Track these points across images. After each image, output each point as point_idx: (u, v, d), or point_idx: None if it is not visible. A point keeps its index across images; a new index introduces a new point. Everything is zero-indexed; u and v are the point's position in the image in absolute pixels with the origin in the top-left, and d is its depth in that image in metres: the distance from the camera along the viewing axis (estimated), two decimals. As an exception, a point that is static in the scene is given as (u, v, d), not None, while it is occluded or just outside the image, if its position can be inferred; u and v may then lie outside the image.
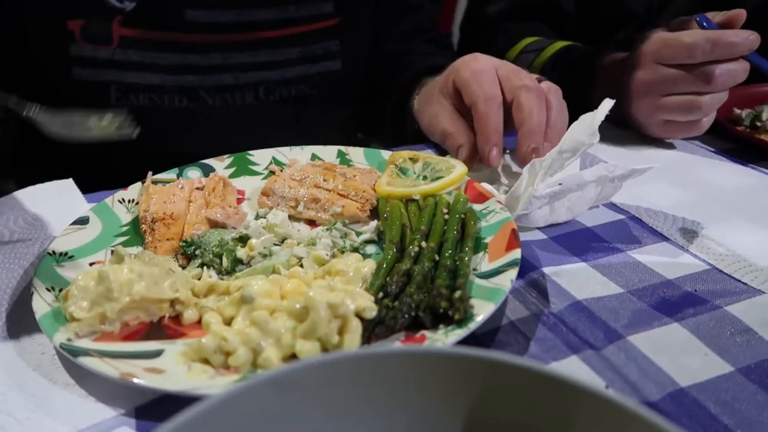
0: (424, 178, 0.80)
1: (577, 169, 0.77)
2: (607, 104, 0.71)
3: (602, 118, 0.69)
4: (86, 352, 0.52)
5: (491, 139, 0.79)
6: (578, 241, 0.73)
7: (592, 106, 0.75)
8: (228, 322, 0.57)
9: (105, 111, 0.68)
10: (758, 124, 1.01)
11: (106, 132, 0.66)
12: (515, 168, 0.80)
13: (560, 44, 1.11)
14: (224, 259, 0.66)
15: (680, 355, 0.55)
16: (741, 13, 0.86)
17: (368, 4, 1.12)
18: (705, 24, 0.86)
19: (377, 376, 0.36)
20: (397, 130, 1.09)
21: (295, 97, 1.07)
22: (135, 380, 0.49)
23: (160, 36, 0.96)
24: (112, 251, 0.69)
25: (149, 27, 0.95)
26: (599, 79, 1.01)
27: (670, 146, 0.97)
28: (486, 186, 0.76)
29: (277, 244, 0.70)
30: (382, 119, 1.22)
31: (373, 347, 0.53)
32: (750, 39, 0.84)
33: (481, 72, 0.83)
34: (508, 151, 0.87)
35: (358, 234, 0.73)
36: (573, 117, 0.77)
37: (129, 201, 0.77)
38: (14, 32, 0.95)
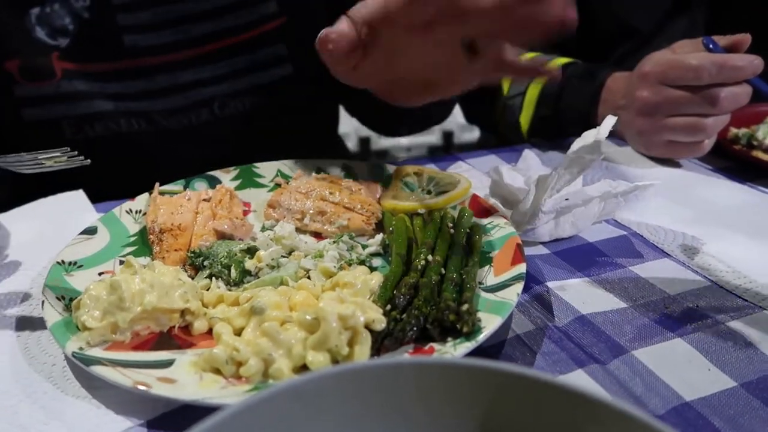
0: (429, 192, 0.81)
1: (580, 184, 0.78)
2: (610, 121, 0.73)
3: (606, 134, 0.71)
4: (98, 361, 0.52)
5: None
6: (581, 256, 0.74)
7: (594, 123, 0.77)
8: (237, 332, 0.57)
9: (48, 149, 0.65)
10: (754, 143, 1.03)
11: (59, 164, 0.64)
12: (519, 183, 0.81)
13: (561, 60, 1.13)
14: (233, 271, 0.67)
15: (684, 369, 0.56)
16: (746, 38, 0.88)
17: None
18: (711, 46, 0.88)
19: (396, 387, 0.37)
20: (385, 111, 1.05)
21: (250, 108, 1.03)
22: (148, 389, 0.49)
23: (102, 66, 0.93)
24: (121, 261, 0.69)
25: (89, 59, 0.92)
26: (601, 97, 1.02)
27: (670, 164, 0.99)
28: (491, 201, 0.77)
29: (284, 256, 0.70)
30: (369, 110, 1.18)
31: (387, 358, 0.54)
32: (754, 63, 0.85)
33: None
34: (513, 164, 0.88)
35: (364, 247, 0.74)
36: (575, 134, 0.79)
37: (136, 212, 0.77)
38: None
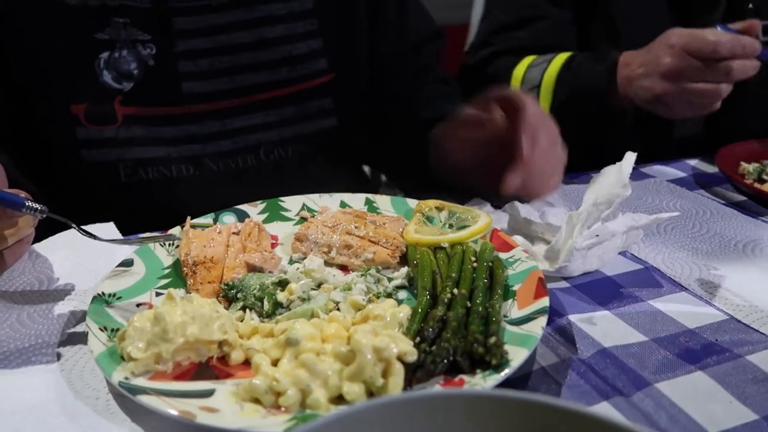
0: (450, 226, 0.84)
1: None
2: (630, 158, 0.76)
3: (629, 170, 0.74)
4: (144, 391, 0.54)
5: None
6: (600, 290, 0.76)
7: (612, 100, 0.80)
8: (273, 363, 0.59)
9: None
10: (765, 177, 1.06)
11: None
12: (536, 217, 0.84)
13: (565, 55, 1.18)
14: (266, 303, 0.69)
15: (706, 402, 0.58)
16: (754, 23, 1.01)
17: (361, 55, 1.15)
18: (724, 30, 1.00)
19: (446, 418, 0.39)
20: (419, 176, 1.12)
21: (293, 156, 1.10)
22: (194, 419, 0.51)
23: (159, 111, 1.00)
24: (157, 293, 0.72)
25: (148, 104, 0.99)
26: (618, 71, 1.08)
27: (683, 199, 1.01)
28: (517, 238, 0.80)
29: (314, 289, 0.73)
30: (395, 162, 1.26)
31: (432, 390, 0.55)
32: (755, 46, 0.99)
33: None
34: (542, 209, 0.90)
35: (389, 280, 0.76)
36: (592, 153, 0.82)
37: (169, 244, 0.80)
38: (23, 119, 0.98)
